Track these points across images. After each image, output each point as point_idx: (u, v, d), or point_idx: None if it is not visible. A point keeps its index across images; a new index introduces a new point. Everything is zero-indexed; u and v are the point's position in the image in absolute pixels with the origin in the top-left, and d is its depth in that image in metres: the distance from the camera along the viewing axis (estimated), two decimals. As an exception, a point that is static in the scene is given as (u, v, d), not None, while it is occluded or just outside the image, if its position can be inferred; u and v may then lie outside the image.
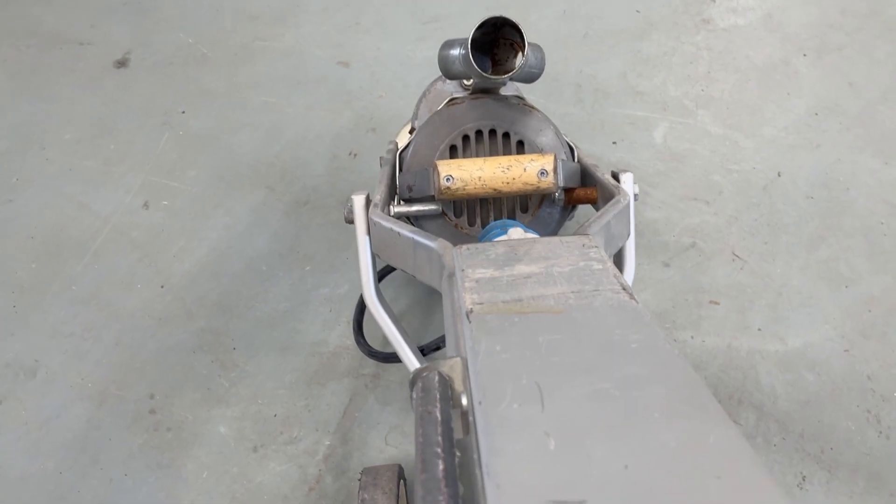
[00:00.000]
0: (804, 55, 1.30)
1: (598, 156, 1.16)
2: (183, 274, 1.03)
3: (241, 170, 1.16)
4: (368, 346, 0.89)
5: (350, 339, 0.95)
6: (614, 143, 1.18)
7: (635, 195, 0.76)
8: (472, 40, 0.69)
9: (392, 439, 0.88)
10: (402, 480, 0.77)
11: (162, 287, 1.02)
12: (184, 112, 1.25)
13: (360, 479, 0.74)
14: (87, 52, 1.36)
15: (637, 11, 1.38)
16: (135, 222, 1.09)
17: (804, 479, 0.84)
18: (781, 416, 0.89)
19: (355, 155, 1.17)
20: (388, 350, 0.89)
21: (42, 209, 1.12)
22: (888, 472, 0.84)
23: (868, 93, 1.24)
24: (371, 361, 0.93)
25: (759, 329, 0.96)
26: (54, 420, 0.90)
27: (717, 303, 0.99)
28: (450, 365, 0.39)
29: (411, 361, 0.72)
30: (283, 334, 0.97)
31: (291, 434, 0.88)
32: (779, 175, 1.13)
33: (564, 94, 1.26)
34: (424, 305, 0.99)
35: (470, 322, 0.42)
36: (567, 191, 0.80)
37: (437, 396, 0.35)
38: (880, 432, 0.87)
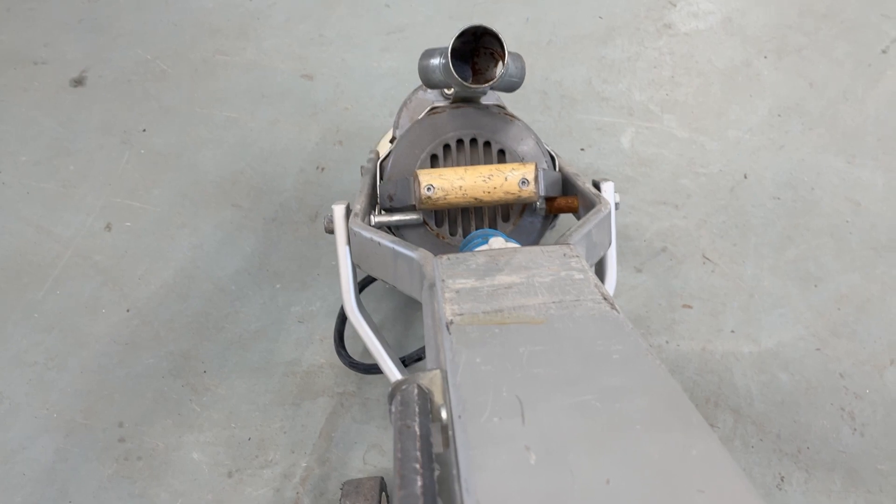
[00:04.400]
0: (765, 57, 1.32)
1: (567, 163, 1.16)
2: (149, 297, 1.01)
3: (206, 187, 1.14)
4: (349, 357, 0.88)
5: (324, 357, 0.94)
6: (582, 149, 1.18)
7: (616, 204, 0.77)
8: (452, 49, 0.69)
9: (371, 458, 0.86)
10: (383, 493, 0.76)
11: (128, 311, 0.99)
12: (144, 130, 1.22)
13: (341, 489, 0.73)
14: (41, 71, 1.33)
15: (599, 17, 1.40)
16: (97, 245, 1.07)
17: (783, 480, 0.84)
18: (758, 418, 0.89)
19: (323, 169, 1.16)
20: (368, 361, 0.88)
21: None
22: (864, 469, 0.85)
23: (829, 92, 1.26)
24: (346, 379, 0.92)
25: (733, 331, 0.97)
26: (20, 453, 0.87)
27: (689, 306, 0.99)
28: (429, 377, 0.38)
29: (392, 372, 0.72)
30: (256, 355, 0.95)
31: (267, 457, 0.86)
32: (745, 177, 1.14)
33: (531, 102, 1.26)
34: (405, 316, 0.98)
35: (450, 333, 0.41)
36: (548, 200, 0.80)
37: (417, 410, 0.35)
38: (854, 429, 0.88)
